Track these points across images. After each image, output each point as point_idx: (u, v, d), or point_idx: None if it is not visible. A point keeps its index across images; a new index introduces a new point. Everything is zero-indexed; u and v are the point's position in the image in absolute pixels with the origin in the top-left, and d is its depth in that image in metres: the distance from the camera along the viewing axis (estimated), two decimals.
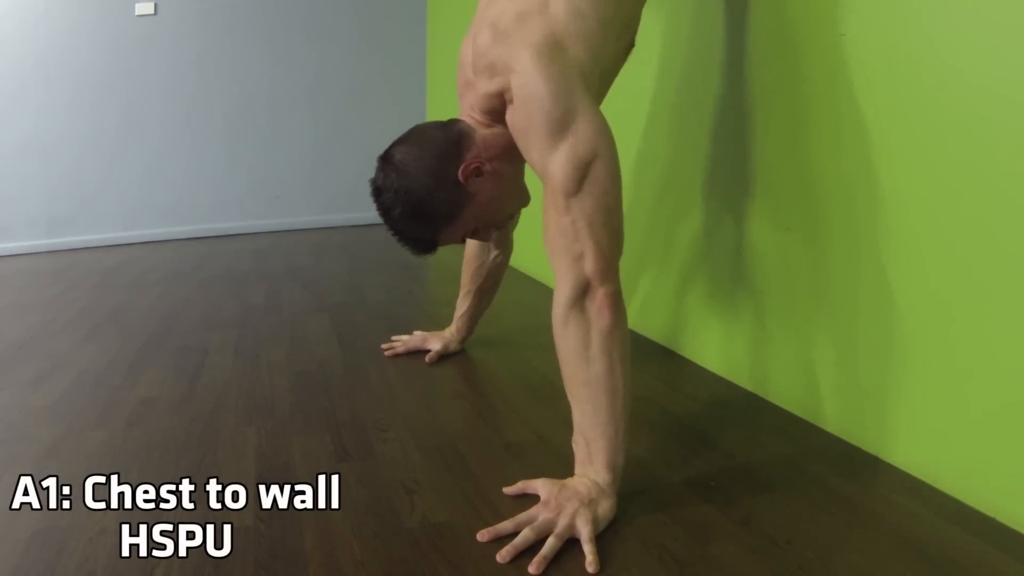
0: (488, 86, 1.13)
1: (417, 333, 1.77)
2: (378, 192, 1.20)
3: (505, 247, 1.66)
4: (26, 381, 1.63)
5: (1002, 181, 0.95)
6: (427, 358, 1.68)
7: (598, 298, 0.99)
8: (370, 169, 1.24)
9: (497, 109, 1.15)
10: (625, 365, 1.01)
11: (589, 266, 0.99)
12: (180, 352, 1.81)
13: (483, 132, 1.20)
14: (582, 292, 0.99)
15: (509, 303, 2.17)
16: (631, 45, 1.26)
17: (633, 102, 1.83)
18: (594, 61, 1.08)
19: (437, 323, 1.92)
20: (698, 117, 1.57)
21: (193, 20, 3.53)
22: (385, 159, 1.21)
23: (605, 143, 1.02)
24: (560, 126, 1.01)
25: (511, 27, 1.08)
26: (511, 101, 1.08)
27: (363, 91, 3.82)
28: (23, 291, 2.60)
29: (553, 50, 1.04)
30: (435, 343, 1.72)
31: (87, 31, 3.39)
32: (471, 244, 1.67)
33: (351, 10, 3.75)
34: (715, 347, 1.58)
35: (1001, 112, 0.94)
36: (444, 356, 1.71)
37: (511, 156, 1.20)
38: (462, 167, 1.17)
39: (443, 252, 1.45)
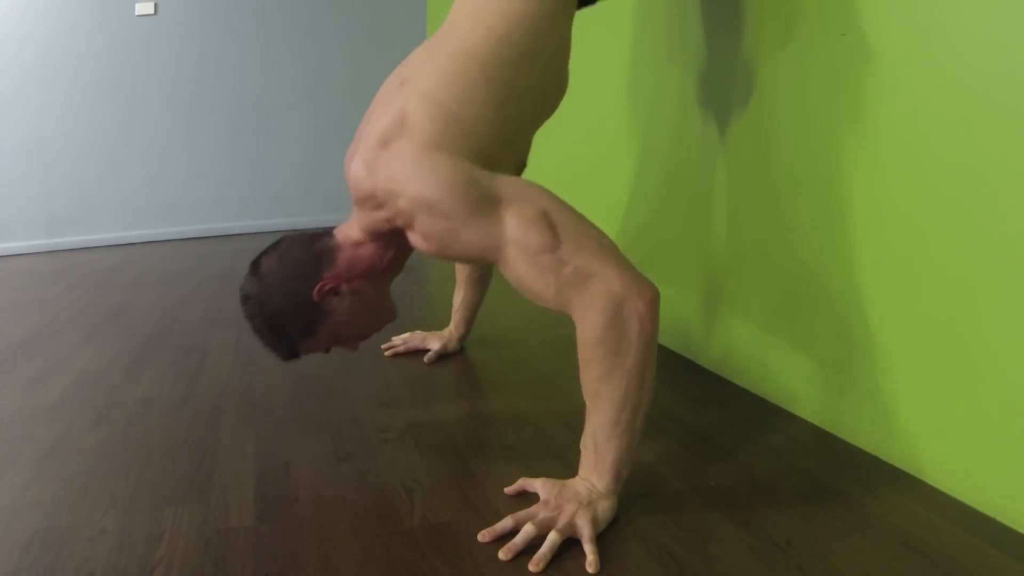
0: (374, 215, 1.09)
1: (417, 333, 1.77)
2: (243, 300, 1.18)
3: None
4: (26, 381, 1.63)
5: (1003, 181, 0.95)
6: (425, 358, 1.69)
7: (640, 309, 0.94)
8: None
9: (383, 231, 1.13)
10: (652, 380, 0.98)
11: (616, 284, 0.94)
12: (180, 352, 1.81)
13: (348, 252, 1.18)
14: (619, 308, 0.94)
15: (508, 303, 2.17)
16: (522, 164, 1.23)
17: (630, 105, 1.83)
18: (478, 157, 1.03)
19: (437, 323, 1.92)
20: (695, 115, 1.57)
21: (193, 20, 3.53)
22: (253, 267, 1.19)
23: (540, 190, 1.01)
24: (487, 201, 0.97)
25: (377, 155, 1.04)
26: (410, 226, 1.03)
27: (363, 91, 3.82)
28: (23, 291, 2.60)
29: (429, 154, 1.00)
30: (434, 343, 1.72)
31: (87, 31, 3.39)
32: None
33: (351, 10, 3.75)
34: (714, 346, 1.58)
35: (1001, 112, 0.94)
36: (443, 356, 1.72)
37: (374, 276, 1.20)
38: (317, 287, 1.15)
39: None
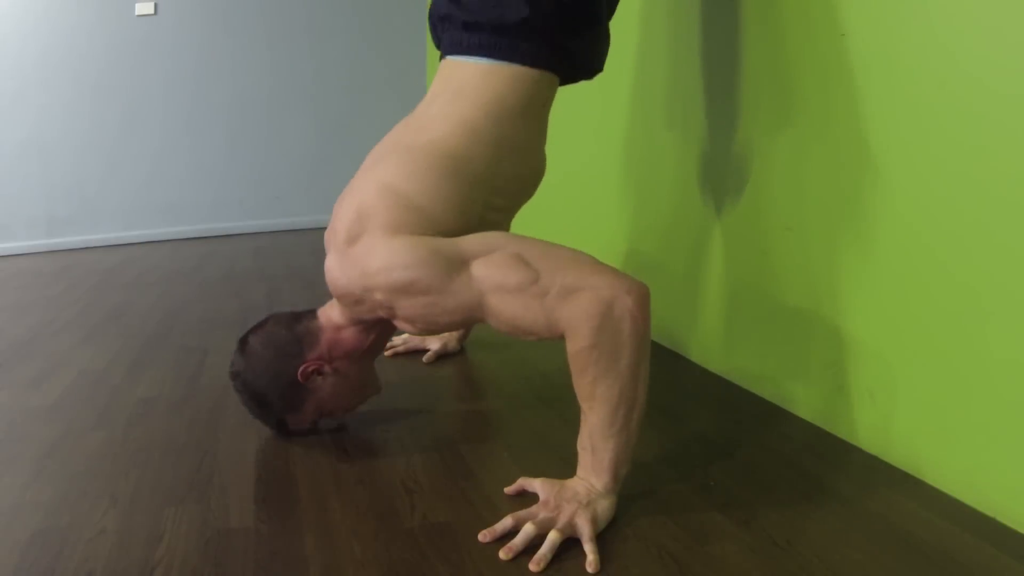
0: (355, 308, 1.12)
1: None
2: (233, 376, 1.22)
3: None
4: (26, 381, 1.63)
5: (1002, 180, 0.95)
6: (424, 358, 1.69)
7: (630, 307, 0.93)
8: None
9: (364, 317, 1.15)
10: (647, 377, 0.98)
11: (604, 288, 0.94)
12: (180, 352, 1.81)
13: (330, 335, 1.20)
14: (609, 310, 0.93)
15: None
16: None
17: (627, 104, 1.83)
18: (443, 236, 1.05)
19: None
20: (694, 116, 1.57)
21: (193, 20, 3.53)
22: (241, 344, 1.23)
23: (502, 236, 1.02)
24: (456, 264, 0.99)
25: (346, 253, 1.07)
26: (392, 314, 1.07)
27: (363, 91, 3.81)
28: (23, 291, 2.60)
29: (390, 240, 1.02)
30: (434, 343, 1.72)
31: (87, 31, 3.39)
32: None
33: (351, 10, 3.75)
34: (713, 346, 1.58)
35: (1001, 111, 0.94)
36: (443, 356, 1.72)
37: (357, 356, 1.23)
38: (301, 368, 1.18)
39: None
